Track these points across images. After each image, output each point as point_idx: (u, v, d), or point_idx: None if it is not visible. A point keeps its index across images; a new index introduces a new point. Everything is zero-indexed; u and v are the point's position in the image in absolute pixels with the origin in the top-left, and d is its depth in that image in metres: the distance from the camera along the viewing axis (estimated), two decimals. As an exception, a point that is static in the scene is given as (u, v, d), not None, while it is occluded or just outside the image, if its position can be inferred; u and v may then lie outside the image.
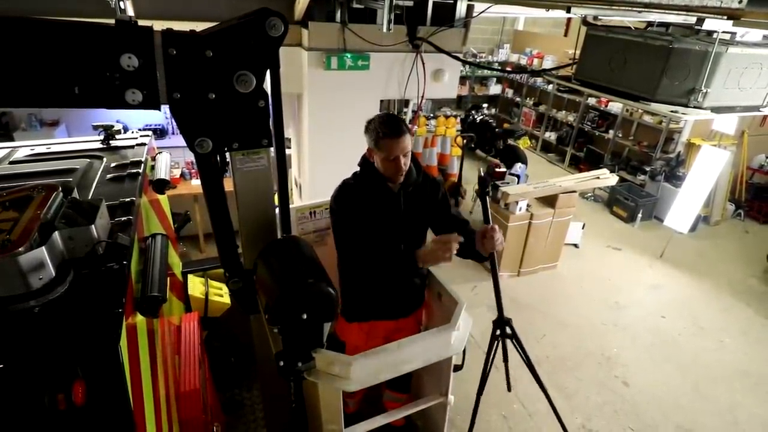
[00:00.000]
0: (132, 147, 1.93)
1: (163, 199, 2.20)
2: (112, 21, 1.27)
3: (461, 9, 3.10)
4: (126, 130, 2.28)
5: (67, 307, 0.99)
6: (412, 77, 3.13)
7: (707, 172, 5.37)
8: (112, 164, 1.74)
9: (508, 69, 9.41)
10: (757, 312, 4.77)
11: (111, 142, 1.94)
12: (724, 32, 2.12)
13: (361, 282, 2.10)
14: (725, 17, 1.46)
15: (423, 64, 3.10)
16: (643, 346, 4.17)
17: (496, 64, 9.49)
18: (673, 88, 2.05)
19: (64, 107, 1.27)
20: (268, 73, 1.53)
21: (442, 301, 2.08)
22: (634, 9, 1.74)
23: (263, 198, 1.72)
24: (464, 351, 2.01)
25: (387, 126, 1.83)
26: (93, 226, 1.13)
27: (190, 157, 5.15)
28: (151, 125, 5.53)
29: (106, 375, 0.94)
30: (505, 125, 8.49)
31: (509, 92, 9.90)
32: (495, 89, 9.91)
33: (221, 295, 2.69)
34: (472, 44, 9.31)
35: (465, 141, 6.35)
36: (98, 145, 1.94)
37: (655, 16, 2.61)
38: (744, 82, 2.09)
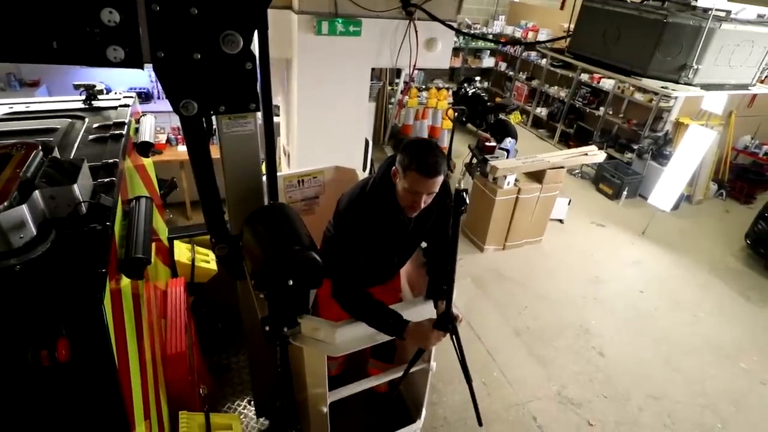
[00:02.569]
0: (115, 108, 1.87)
1: (147, 162, 2.17)
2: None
3: (457, -25, 3.03)
4: (109, 91, 2.22)
5: (49, 266, 0.98)
6: (404, 46, 3.06)
7: (693, 152, 5.43)
8: (95, 125, 1.70)
9: (502, 41, 9.25)
10: (732, 288, 4.94)
11: (93, 102, 1.88)
12: (718, 10, 2.11)
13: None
14: (720, -8, 1.44)
15: (416, 32, 3.03)
16: (621, 319, 4.31)
17: (491, 35, 9.32)
18: (665, 63, 2.04)
19: (43, 63, 1.22)
20: (255, 35, 1.50)
21: (426, 270, 2.10)
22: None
23: (250, 163, 1.70)
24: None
25: (422, 161, 1.62)
26: (75, 185, 1.11)
27: (177, 122, 5.01)
28: (136, 89, 5.37)
29: (91, 333, 0.94)
30: (497, 99, 8.43)
31: (502, 66, 9.78)
32: (488, 62, 9.77)
33: (208, 261, 2.69)
34: (467, 14, 9.11)
35: (456, 114, 6.29)
36: (80, 105, 1.88)
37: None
38: (735, 59, 2.09)
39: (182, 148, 4.58)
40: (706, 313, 4.53)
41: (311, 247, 1.51)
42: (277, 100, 3.62)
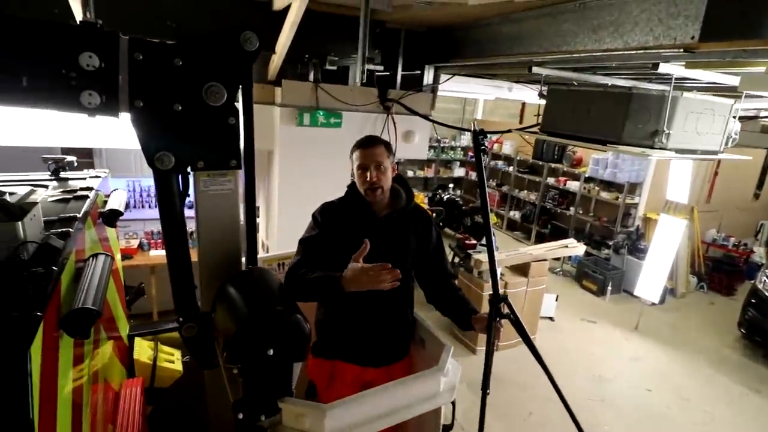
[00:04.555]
0: (84, 179, 1.76)
1: (112, 238, 1.98)
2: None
3: (428, 76, 3.29)
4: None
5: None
6: (383, 137, 3.18)
7: (668, 242, 5.54)
8: (59, 191, 1.56)
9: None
10: (737, 382, 4.66)
11: (61, 173, 1.77)
12: (677, 78, 2.26)
13: (328, 311, 1.91)
14: (681, 50, 1.55)
15: (394, 124, 3.17)
16: (634, 421, 3.91)
17: (459, 149, 10.04)
18: (637, 131, 2.13)
19: (8, 104, 1.13)
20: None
21: (425, 347, 1.87)
22: (594, 53, 1.85)
23: (228, 226, 1.56)
24: (453, 406, 1.78)
25: (361, 139, 1.85)
26: (19, 223, 0.95)
27: (150, 227, 4.90)
28: (111, 198, 5.31)
29: (7, 394, 0.70)
30: (471, 204, 8.73)
31: (472, 174, 10.34)
32: (459, 172, 10.35)
33: (172, 361, 2.36)
34: (436, 132, 9.89)
35: (434, 215, 6.42)
36: (46, 177, 1.76)
37: (610, 79, 2.83)
38: (701, 126, 2.21)
39: (154, 252, 4.37)
40: (719, 410, 4.17)
41: (296, 310, 1.31)
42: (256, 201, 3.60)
